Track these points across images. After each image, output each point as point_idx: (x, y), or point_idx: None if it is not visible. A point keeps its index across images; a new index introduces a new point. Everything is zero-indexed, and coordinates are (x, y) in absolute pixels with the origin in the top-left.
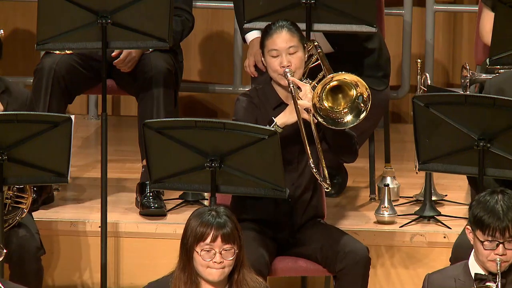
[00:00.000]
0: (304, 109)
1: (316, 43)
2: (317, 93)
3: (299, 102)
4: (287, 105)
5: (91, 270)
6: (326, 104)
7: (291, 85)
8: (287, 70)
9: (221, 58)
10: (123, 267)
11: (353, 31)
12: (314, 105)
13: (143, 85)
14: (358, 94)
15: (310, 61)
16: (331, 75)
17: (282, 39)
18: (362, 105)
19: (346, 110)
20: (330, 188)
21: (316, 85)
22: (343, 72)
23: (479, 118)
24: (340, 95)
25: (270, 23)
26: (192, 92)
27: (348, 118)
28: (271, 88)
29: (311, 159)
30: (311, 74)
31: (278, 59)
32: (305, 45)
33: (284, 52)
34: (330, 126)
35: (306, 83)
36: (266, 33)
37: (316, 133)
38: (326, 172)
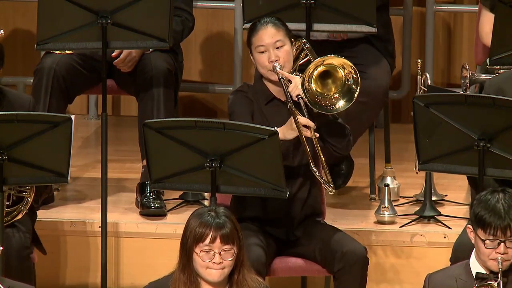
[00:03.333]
0: (304, 126)
1: (304, 40)
2: (306, 80)
3: (299, 119)
4: (278, 100)
5: (91, 270)
6: (316, 89)
7: (285, 91)
8: (276, 64)
9: (221, 58)
10: (123, 267)
11: (353, 31)
12: (305, 92)
13: (143, 85)
14: (347, 76)
15: (300, 57)
16: (314, 61)
17: (268, 34)
18: (353, 86)
19: (337, 95)
20: (334, 191)
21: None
22: (326, 56)
23: (479, 118)
24: (329, 81)
25: (255, 21)
26: (192, 92)
27: (340, 103)
28: (262, 83)
29: (313, 163)
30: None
31: (265, 54)
32: (292, 40)
33: (271, 47)
34: (325, 112)
35: (296, 75)
36: (252, 31)
37: (319, 149)
38: (329, 176)
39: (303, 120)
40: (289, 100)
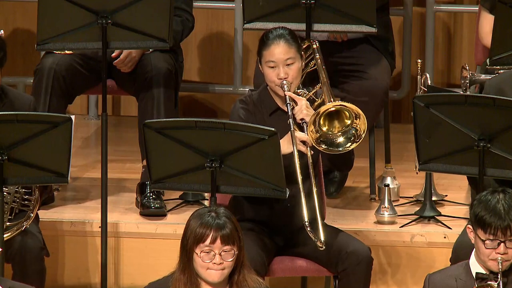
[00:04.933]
0: (301, 142)
1: (315, 46)
2: (311, 122)
3: (296, 134)
4: (283, 111)
5: (91, 270)
6: (324, 128)
7: (289, 111)
8: (284, 82)
9: (221, 58)
10: (123, 267)
11: (353, 31)
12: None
13: (143, 85)
14: (354, 126)
15: (308, 66)
16: (326, 105)
17: (280, 51)
18: (354, 132)
19: (339, 133)
20: (323, 247)
21: (312, 97)
22: (342, 101)
23: (479, 118)
24: (335, 119)
25: (267, 31)
26: (192, 92)
27: (341, 139)
28: (267, 93)
29: (306, 219)
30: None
31: (275, 70)
32: (302, 54)
33: (282, 64)
34: (328, 151)
35: (302, 94)
36: (263, 43)
37: (311, 168)
38: (320, 227)
39: (301, 135)
40: (289, 114)
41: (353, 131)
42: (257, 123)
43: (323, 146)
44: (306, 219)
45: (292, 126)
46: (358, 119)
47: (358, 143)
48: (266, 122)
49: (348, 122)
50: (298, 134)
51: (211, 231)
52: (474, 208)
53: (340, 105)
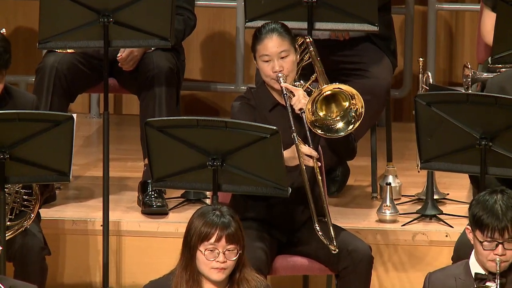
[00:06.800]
0: (307, 155)
1: (308, 40)
2: (309, 108)
3: (302, 149)
4: (282, 106)
5: (93, 268)
6: (320, 113)
7: (286, 102)
8: (279, 75)
9: (223, 57)
10: (125, 266)
11: (355, 29)
12: (311, 121)
13: (145, 83)
14: (352, 107)
15: (303, 60)
16: (324, 87)
17: (273, 44)
18: (353, 114)
19: (338, 118)
20: (337, 250)
21: (309, 87)
22: (337, 83)
23: (481, 117)
24: (333, 104)
25: (260, 26)
26: (194, 90)
27: (340, 125)
28: (265, 89)
29: (318, 224)
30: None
31: (270, 64)
32: (297, 48)
33: (276, 57)
34: (326, 136)
35: (299, 86)
36: (256, 38)
37: (319, 177)
38: (332, 232)
39: (306, 149)
40: (293, 129)
41: (353, 113)
42: (258, 118)
43: (319, 131)
44: (316, 224)
45: (296, 140)
46: (354, 99)
47: (360, 121)
48: (267, 118)
49: (346, 104)
50: (303, 148)
51: (217, 229)
52: (472, 208)
53: (338, 88)
